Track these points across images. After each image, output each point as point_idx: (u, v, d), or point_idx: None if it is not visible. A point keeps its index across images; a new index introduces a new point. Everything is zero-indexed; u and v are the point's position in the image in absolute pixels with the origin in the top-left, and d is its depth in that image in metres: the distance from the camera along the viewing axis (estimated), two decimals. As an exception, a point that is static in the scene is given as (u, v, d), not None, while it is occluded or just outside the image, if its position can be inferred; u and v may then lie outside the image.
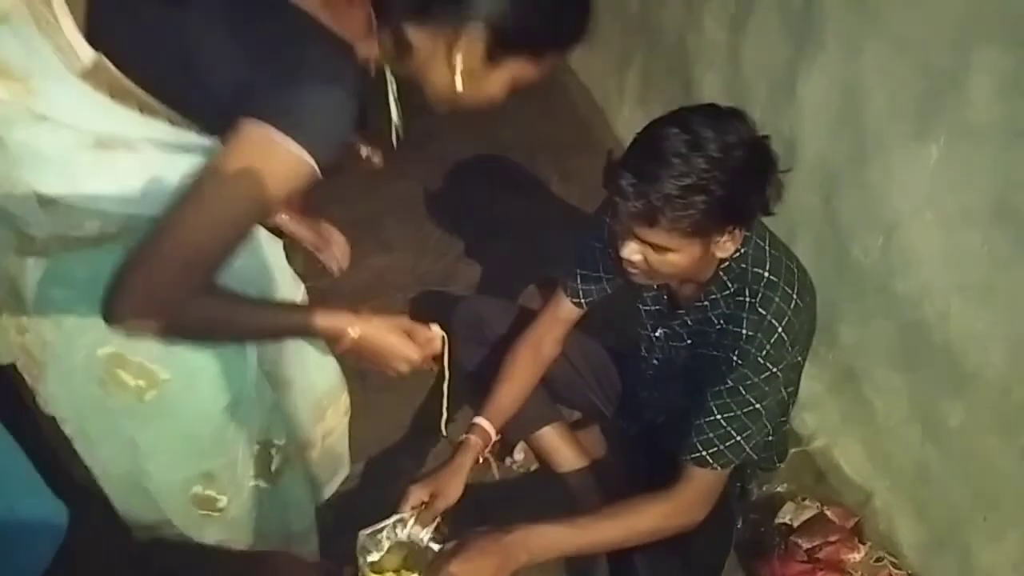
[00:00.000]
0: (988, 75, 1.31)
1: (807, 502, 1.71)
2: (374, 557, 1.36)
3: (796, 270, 1.37)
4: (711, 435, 1.34)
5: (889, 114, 1.55)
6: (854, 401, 1.75)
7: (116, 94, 0.98)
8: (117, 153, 1.01)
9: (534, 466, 1.91)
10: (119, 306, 0.94)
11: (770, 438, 1.50)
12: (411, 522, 1.39)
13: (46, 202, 1.00)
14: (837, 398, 1.81)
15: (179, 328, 1.01)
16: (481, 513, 1.79)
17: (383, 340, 1.21)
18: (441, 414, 1.49)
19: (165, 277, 0.93)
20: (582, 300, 1.61)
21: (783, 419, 1.54)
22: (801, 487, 1.79)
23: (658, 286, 1.50)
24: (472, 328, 1.73)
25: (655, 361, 1.59)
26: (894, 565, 1.59)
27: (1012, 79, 1.27)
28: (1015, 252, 1.28)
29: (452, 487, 1.47)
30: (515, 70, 1.02)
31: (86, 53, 0.96)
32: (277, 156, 0.93)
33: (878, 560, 1.59)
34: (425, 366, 1.30)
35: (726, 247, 1.28)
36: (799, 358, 1.38)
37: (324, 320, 1.15)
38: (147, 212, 0.99)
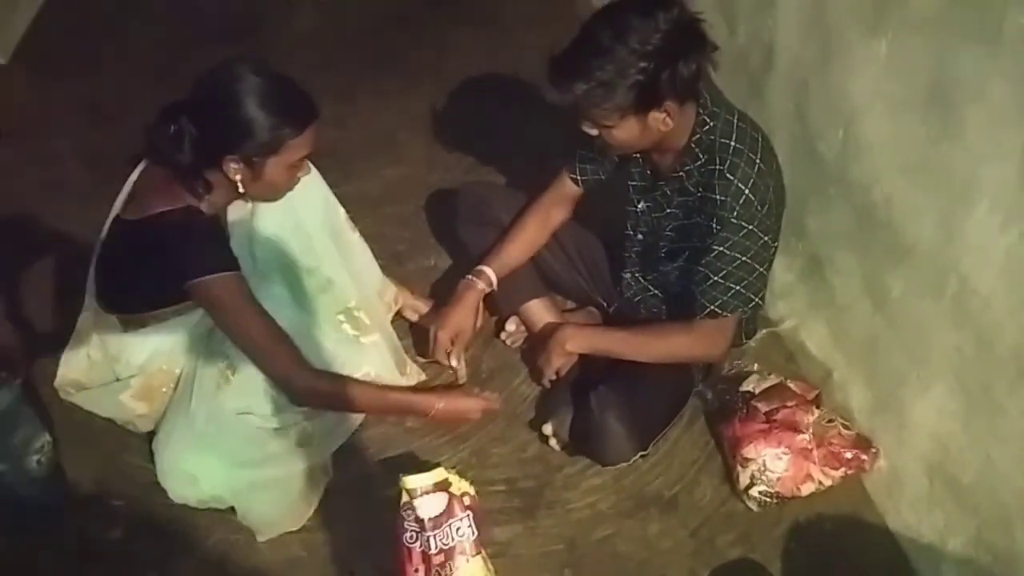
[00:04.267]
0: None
1: (771, 376, 1.88)
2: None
3: (760, 139, 1.54)
4: (714, 293, 1.56)
5: (848, 13, 1.68)
6: (819, 286, 1.91)
7: None
8: None
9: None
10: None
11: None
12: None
13: None
14: (805, 285, 1.97)
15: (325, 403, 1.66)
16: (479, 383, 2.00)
17: (458, 408, 1.78)
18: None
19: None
20: (579, 178, 1.81)
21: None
22: (771, 366, 1.96)
23: (642, 161, 1.67)
24: (474, 208, 1.91)
25: (640, 236, 1.77)
26: (844, 426, 1.75)
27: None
28: (944, 129, 1.42)
29: (467, 323, 1.80)
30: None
31: None
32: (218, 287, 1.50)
33: (829, 421, 1.75)
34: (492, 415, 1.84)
35: (666, 122, 1.44)
36: (772, 216, 1.55)
37: (417, 401, 1.75)
38: None
